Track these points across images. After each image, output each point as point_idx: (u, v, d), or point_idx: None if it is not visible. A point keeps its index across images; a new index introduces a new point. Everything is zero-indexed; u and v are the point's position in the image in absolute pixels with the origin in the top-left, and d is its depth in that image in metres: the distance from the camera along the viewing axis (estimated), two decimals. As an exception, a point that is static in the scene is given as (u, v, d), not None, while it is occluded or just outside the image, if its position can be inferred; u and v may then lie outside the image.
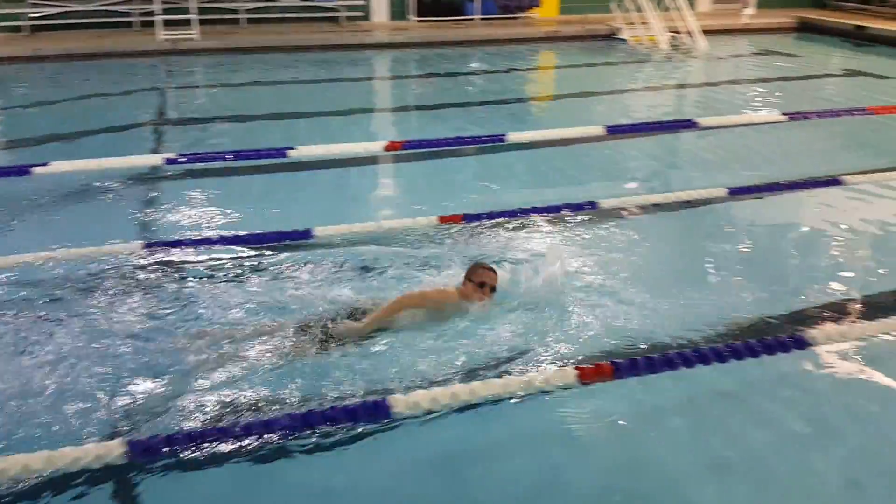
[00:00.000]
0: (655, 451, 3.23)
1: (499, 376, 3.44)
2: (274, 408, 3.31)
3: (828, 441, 3.30)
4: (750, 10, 15.88)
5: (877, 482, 3.07)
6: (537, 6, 15.91)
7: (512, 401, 3.29)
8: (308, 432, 3.12)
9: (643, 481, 3.07)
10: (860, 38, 14.69)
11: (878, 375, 3.67)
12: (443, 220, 5.14)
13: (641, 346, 3.83)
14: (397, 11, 15.28)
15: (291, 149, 5.89)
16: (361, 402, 3.24)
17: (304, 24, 14.44)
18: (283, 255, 4.76)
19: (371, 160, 7.11)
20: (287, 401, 3.37)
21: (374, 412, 3.15)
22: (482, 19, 15.31)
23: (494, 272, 4.08)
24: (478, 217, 5.30)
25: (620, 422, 3.37)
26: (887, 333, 3.89)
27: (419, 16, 15.08)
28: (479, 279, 4.01)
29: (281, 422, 3.14)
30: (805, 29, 15.89)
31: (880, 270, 4.79)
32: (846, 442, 3.29)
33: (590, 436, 3.30)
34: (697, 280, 4.68)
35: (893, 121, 8.54)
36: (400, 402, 3.05)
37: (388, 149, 6.44)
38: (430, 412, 3.14)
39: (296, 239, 4.96)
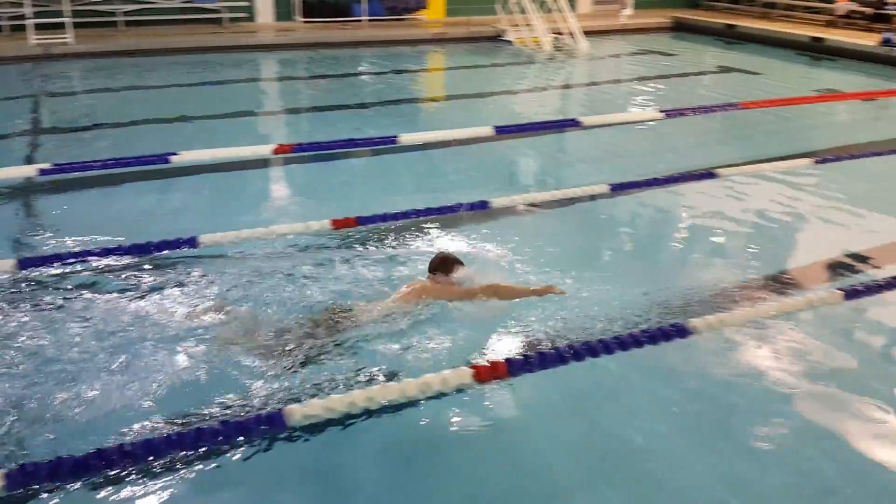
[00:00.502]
0: (554, 444, 3.31)
1: (395, 380, 3.44)
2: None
3: (713, 430, 3.46)
4: (628, 11, 16.51)
5: (761, 472, 3.25)
6: (424, 8, 16.00)
7: (411, 404, 3.30)
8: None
9: (534, 480, 3.14)
10: (731, 37, 15.54)
11: (756, 360, 3.89)
12: (336, 224, 5.08)
13: (534, 343, 3.91)
14: (283, 12, 15.02)
15: (174, 154, 5.67)
16: (256, 415, 3.16)
17: (186, 26, 13.97)
18: (167, 266, 4.59)
19: (260, 164, 6.95)
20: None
21: (270, 423, 3.08)
22: (370, 20, 15.27)
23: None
24: (371, 220, 5.26)
25: (514, 419, 3.43)
26: (764, 319, 4.12)
27: (305, 17, 14.87)
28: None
29: (164, 441, 3.02)
30: (680, 28, 16.66)
31: (755, 257, 5.07)
32: (729, 432, 3.45)
33: (482, 436, 3.33)
34: (585, 274, 4.80)
35: (763, 114, 9.08)
36: (296, 413, 2.99)
37: (277, 152, 6.31)
38: (328, 421, 3.11)
39: (180, 248, 4.78)
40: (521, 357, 3.52)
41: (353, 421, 3.25)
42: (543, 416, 3.51)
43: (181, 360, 3.63)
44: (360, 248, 4.97)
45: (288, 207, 6.09)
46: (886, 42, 12.72)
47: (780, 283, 4.66)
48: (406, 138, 6.77)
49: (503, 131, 7.35)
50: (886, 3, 14.45)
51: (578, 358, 3.59)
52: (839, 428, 3.42)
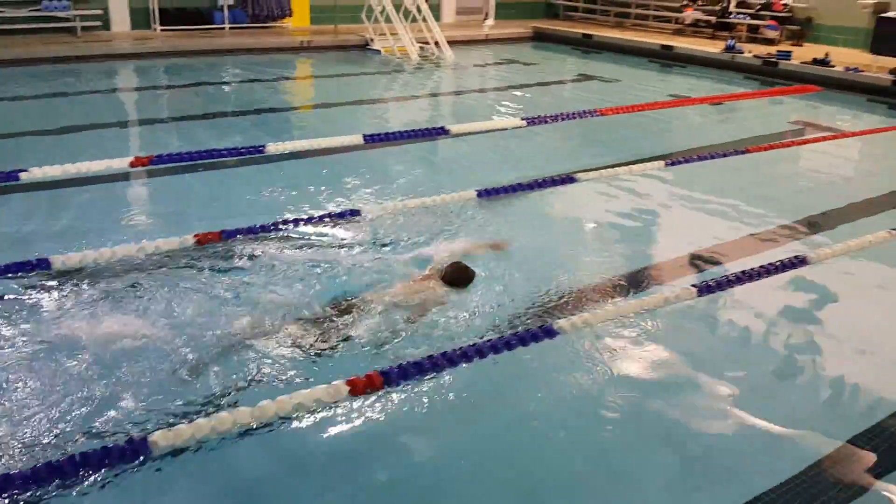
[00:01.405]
0: (439, 449, 3.32)
1: (265, 399, 3.34)
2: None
3: (589, 424, 3.58)
4: (490, 22, 16.92)
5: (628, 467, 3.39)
6: (289, 15, 15.75)
7: (283, 423, 3.22)
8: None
9: (418, 489, 3.14)
10: (588, 46, 16.24)
11: (619, 356, 4.06)
12: (199, 238, 4.90)
13: (410, 353, 3.91)
14: (139, 20, 14.36)
15: (24, 171, 5.30)
16: (115, 444, 2.98)
17: (36, 35, 13.10)
18: (13, 288, 4.28)
19: (117, 178, 6.60)
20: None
21: (134, 453, 2.93)
22: (232, 28, 14.86)
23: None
24: (238, 233, 5.12)
25: (394, 429, 3.41)
26: (625, 317, 4.31)
27: (163, 25, 14.29)
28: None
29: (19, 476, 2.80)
30: (540, 38, 17.24)
31: (615, 257, 5.29)
32: (602, 425, 3.58)
33: (355, 450, 3.30)
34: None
35: (620, 120, 9.52)
36: (162, 439, 2.85)
37: (134, 164, 6.02)
38: (199, 442, 2.98)
39: (31, 270, 4.47)
40: (396, 368, 3.52)
41: (239, 438, 3.12)
42: (427, 423, 3.51)
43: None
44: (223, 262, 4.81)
45: (147, 223, 5.81)
46: (730, 48, 13.66)
47: (639, 281, 4.89)
48: (274, 148, 6.63)
49: (372, 139, 7.33)
50: (729, 12, 15.53)
51: (453, 364, 3.63)
52: (699, 416, 3.61)
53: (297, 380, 3.59)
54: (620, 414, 3.59)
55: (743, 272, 4.77)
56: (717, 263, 5.24)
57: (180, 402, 3.36)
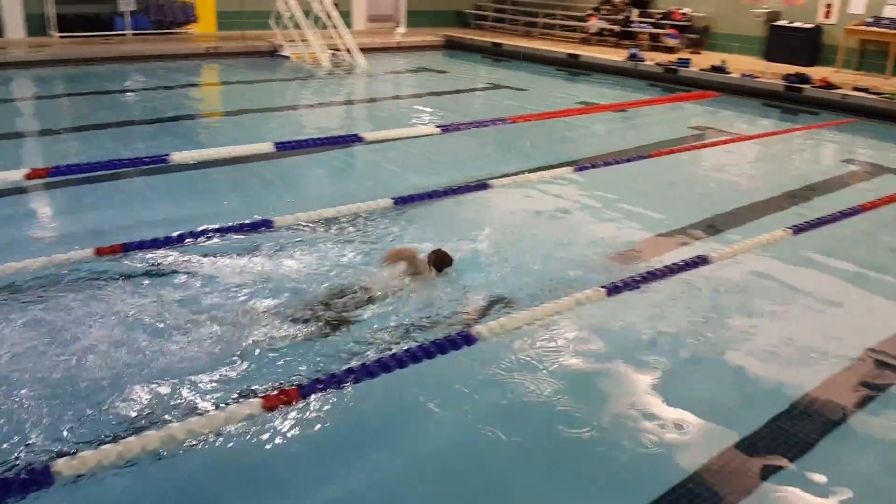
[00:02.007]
0: (364, 459, 3.28)
1: (177, 420, 3.24)
2: None
3: (512, 429, 3.61)
4: (402, 30, 16.94)
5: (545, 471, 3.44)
6: (194, 21, 15.37)
7: (197, 444, 3.12)
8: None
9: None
10: (498, 54, 16.47)
11: (536, 358, 4.12)
12: (100, 251, 4.71)
13: (325, 365, 3.87)
14: (35, 27, 13.75)
15: None
16: (15, 475, 2.83)
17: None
18: None
19: (11, 191, 6.28)
20: None
21: (35, 483, 2.78)
22: (134, 34, 14.39)
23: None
24: (141, 245, 4.94)
25: (316, 442, 3.36)
26: (539, 319, 4.38)
27: (61, 31, 13.70)
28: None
29: None
30: (451, 46, 17.39)
31: (528, 261, 5.37)
32: (524, 426, 3.63)
33: (272, 467, 3.23)
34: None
35: (530, 127, 9.70)
36: (66, 468, 2.72)
37: (30, 177, 5.73)
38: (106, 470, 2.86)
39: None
40: (313, 381, 3.47)
41: (149, 464, 3.00)
42: (343, 436, 3.47)
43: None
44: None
45: (43, 237, 5.55)
46: (633, 57, 14.11)
47: (552, 284, 4.98)
48: (179, 157, 6.44)
49: (284, 147, 7.21)
50: (631, 22, 16.03)
51: (372, 375, 3.60)
52: (607, 413, 3.70)
53: (211, 397, 3.49)
54: (532, 419, 3.65)
55: (649, 272, 4.92)
56: (624, 264, 5.40)
57: (85, 428, 3.22)
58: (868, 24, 13.01)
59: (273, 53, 14.76)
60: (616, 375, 4.05)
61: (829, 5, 13.71)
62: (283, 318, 4.26)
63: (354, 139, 7.99)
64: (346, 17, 16.82)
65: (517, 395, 3.81)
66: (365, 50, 14.71)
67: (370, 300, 4.50)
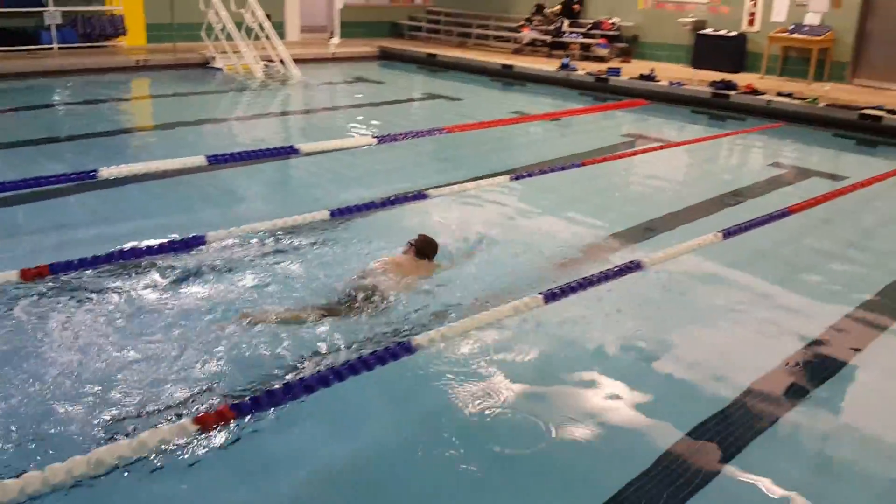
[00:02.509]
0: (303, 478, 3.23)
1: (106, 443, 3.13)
2: None
3: (452, 440, 3.60)
4: (336, 40, 16.86)
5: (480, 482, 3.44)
6: (123, 34, 15.02)
7: (127, 470, 3.02)
8: None
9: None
10: (433, 65, 16.54)
11: (476, 366, 4.13)
12: (25, 274, 4.54)
13: (262, 381, 3.80)
14: (-50, 40, 13.23)
15: None
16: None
17: None
18: None
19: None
20: None
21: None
22: (61, 48, 13.97)
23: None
24: (69, 266, 4.78)
25: (247, 464, 3.29)
26: (478, 329, 4.39)
27: (-19, 44, 13.23)
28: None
29: None
30: (387, 57, 17.39)
31: (467, 271, 5.38)
32: (465, 437, 3.62)
33: (209, 490, 3.16)
34: (311, 302, 4.78)
35: (466, 137, 9.75)
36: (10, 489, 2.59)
37: (-52, 198, 5.50)
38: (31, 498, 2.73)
39: None
40: (249, 399, 3.40)
41: (73, 489, 2.88)
42: (282, 453, 3.41)
43: None
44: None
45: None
46: (565, 67, 14.34)
47: (490, 292, 5.00)
48: (108, 172, 6.25)
49: (216, 160, 7.08)
50: (563, 32, 16.30)
51: (310, 391, 3.55)
52: (551, 420, 3.73)
53: (142, 419, 3.39)
54: (476, 426, 3.65)
55: (585, 279, 4.99)
56: (562, 271, 5.46)
57: (6, 455, 3.09)
58: (790, 32, 13.52)
59: (205, 65, 14.52)
60: (552, 382, 4.09)
61: (752, 13, 14.20)
62: (218, 335, 4.17)
63: (290, 151, 7.89)
64: (280, 28, 16.67)
65: (455, 404, 3.80)
66: (299, 61, 14.60)
67: (324, 315, 4.46)
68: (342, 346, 4.17)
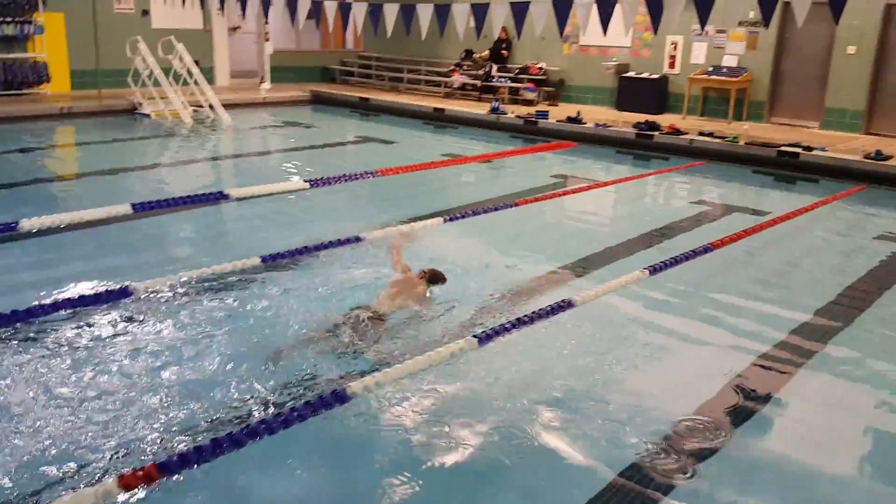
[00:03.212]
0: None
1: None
2: None
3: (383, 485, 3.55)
4: (267, 85, 16.85)
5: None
6: (46, 81, 14.70)
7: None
8: None
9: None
10: (366, 109, 16.65)
11: (410, 416, 4.10)
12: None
13: (190, 439, 3.68)
14: None
15: None
16: None
17: None
18: None
19: None
20: None
21: None
22: (-21, 95, 13.58)
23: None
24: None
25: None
26: (414, 374, 4.36)
27: None
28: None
29: None
30: (319, 101, 17.44)
31: (402, 316, 5.36)
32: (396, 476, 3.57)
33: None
34: (237, 353, 4.68)
35: (400, 180, 9.77)
36: None
37: None
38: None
39: None
40: (175, 457, 3.28)
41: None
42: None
43: None
44: None
45: None
46: (495, 110, 14.62)
47: (425, 337, 4.99)
48: (29, 224, 6.04)
49: (143, 208, 6.92)
50: (492, 77, 16.64)
51: (239, 445, 3.45)
52: (479, 463, 3.72)
53: (61, 481, 3.24)
54: (410, 471, 3.61)
55: (518, 319, 5.02)
56: (494, 312, 5.49)
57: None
58: (709, 74, 14.11)
59: (132, 112, 14.29)
60: (487, 424, 4.08)
61: (672, 57, 14.79)
62: (144, 389, 4.04)
63: (219, 196, 7.77)
64: (209, 73, 16.59)
65: (391, 452, 3.76)
66: (229, 106, 14.52)
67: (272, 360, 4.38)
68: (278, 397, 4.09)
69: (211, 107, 14.07)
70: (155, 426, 3.76)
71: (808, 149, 11.17)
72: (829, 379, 4.92)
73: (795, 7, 6.25)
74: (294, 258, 6.28)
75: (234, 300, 5.41)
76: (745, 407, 4.43)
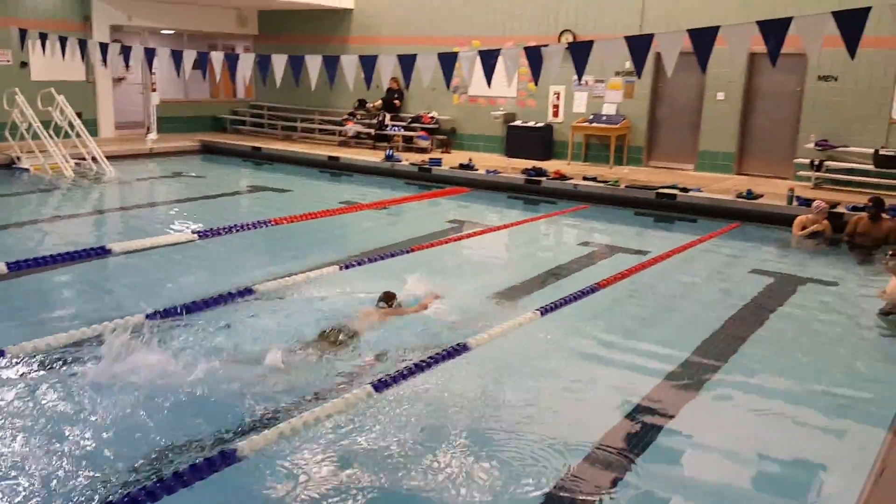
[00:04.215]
0: None
1: None
2: None
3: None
4: (153, 135, 16.43)
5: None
6: (-89, 134, 13.84)
7: None
8: None
9: None
10: (259, 158, 16.48)
11: (306, 472, 4.02)
12: None
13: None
14: None
15: None
16: None
17: None
18: None
19: None
20: None
21: None
22: None
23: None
24: None
25: None
26: (310, 426, 4.29)
27: None
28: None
29: None
30: (209, 151, 17.14)
31: (298, 368, 5.27)
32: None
33: None
34: (117, 418, 4.49)
35: (294, 229, 9.69)
36: None
37: None
38: None
39: None
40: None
41: None
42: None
43: None
44: None
45: None
46: (389, 157, 14.77)
47: (321, 387, 4.94)
48: None
49: (18, 267, 6.58)
50: (385, 125, 16.84)
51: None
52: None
53: None
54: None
55: (415, 364, 5.05)
56: (390, 360, 5.49)
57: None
58: (590, 121, 14.77)
59: (10, 166, 13.62)
60: (389, 474, 4.05)
61: (556, 106, 15.41)
62: (26, 457, 3.81)
63: (102, 252, 7.48)
64: (93, 125, 16.07)
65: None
66: (115, 158, 14.08)
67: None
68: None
69: (94, 159, 13.59)
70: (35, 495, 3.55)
71: (685, 190, 11.81)
72: (718, 405, 5.18)
73: (665, 58, 6.66)
74: (181, 314, 6.08)
75: (115, 361, 5.18)
76: (643, 436, 4.59)
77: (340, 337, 5.65)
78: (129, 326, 5.45)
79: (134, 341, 5.19)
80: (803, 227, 10.22)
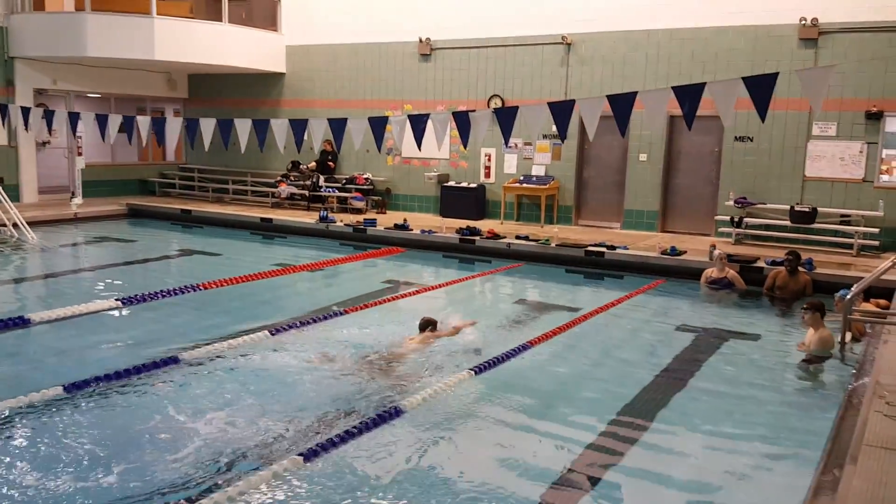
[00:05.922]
0: None
1: None
2: None
3: None
4: (78, 200, 16.02)
5: None
6: None
7: None
8: None
9: None
10: (189, 221, 16.21)
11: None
12: None
13: None
14: None
15: None
16: None
17: None
18: None
19: None
20: None
21: None
22: None
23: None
24: None
25: None
26: (234, 500, 4.15)
27: None
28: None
29: None
30: (137, 215, 16.80)
31: (221, 444, 5.11)
32: None
33: None
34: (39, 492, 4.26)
35: (225, 293, 9.51)
36: None
37: None
38: None
39: None
40: None
41: None
42: None
43: None
44: None
45: None
46: (323, 219, 14.72)
47: (248, 459, 4.79)
48: None
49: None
50: (319, 187, 16.84)
51: None
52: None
53: None
54: None
55: (346, 432, 4.96)
56: (323, 424, 5.37)
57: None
58: (521, 182, 15.07)
59: (-79, 233, 13.06)
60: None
61: (487, 167, 15.70)
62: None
63: (20, 322, 7.19)
64: (14, 190, 15.64)
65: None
66: (37, 223, 13.66)
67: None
68: None
69: (15, 225, 13.14)
70: None
71: (612, 248, 12.09)
72: (650, 459, 5.21)
73: (586, 122, 6.91)
74: (101, 385, 5.86)
75: (34, 433, 4.94)
76: (586, 488, 4.57)
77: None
78: (45, 399, 5.21)
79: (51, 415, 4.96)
80: (707, 279, 10.65)
